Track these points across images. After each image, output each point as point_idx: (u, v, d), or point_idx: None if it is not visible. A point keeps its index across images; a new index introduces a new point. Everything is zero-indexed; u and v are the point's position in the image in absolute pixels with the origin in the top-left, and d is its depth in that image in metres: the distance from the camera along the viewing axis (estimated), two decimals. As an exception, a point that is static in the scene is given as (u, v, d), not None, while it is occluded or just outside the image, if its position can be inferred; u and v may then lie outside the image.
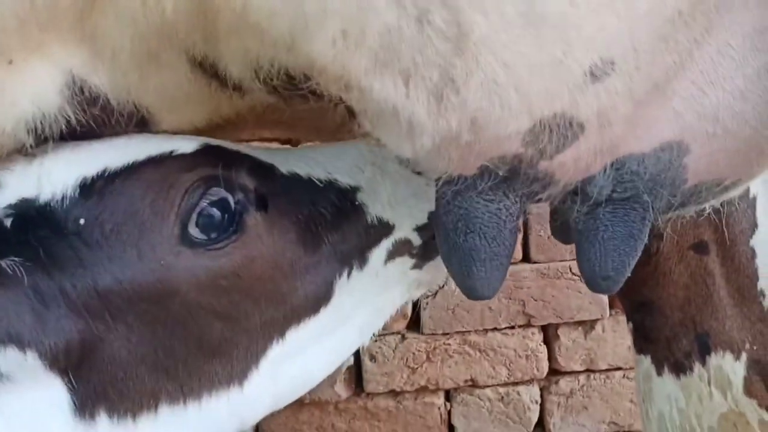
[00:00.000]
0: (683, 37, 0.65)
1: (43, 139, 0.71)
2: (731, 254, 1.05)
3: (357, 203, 0.83)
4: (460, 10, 0.60)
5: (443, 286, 2.18)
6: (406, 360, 2.13)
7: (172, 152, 0.75)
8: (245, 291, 0.74)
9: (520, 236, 2.03)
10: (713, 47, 0.66)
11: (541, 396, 2.19)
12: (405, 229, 0.85)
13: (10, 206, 0.69)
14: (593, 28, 0.62)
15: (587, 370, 2.16)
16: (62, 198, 0.69)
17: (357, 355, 2.11)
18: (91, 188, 0.70)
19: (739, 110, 0.68)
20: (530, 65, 0.62)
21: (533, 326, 2.13)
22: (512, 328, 2.12)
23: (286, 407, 0.84)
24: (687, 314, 1.08)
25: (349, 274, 0.81)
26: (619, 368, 2.16)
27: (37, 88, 0.69)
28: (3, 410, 0.65)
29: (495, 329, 2.12)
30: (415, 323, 2.13)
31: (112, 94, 0.72)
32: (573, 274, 2.09)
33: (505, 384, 2.15)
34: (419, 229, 0.86)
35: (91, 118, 0.73)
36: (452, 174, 0.70)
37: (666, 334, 1.10)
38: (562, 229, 0.80)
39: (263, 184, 0.78)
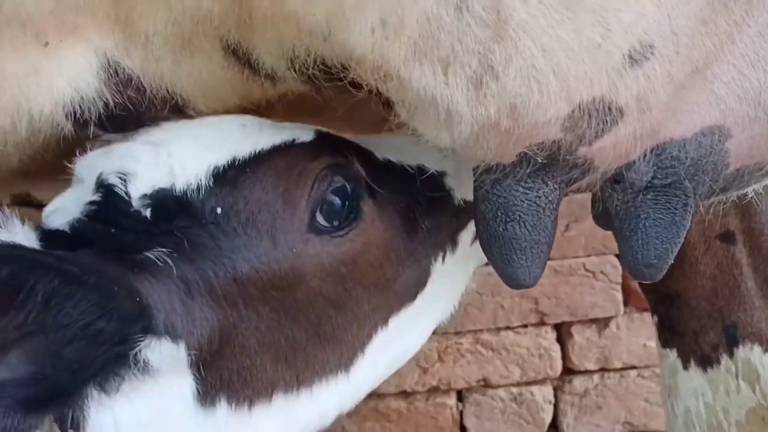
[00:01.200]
0: (723, 20, 0.64)
1: (83, 123, 0.71)
2: (759, 244, 1.04)
3: (446, 188, 0.85)
4: None
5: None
6: (418, 360, 2.12)
7: (294, 140, 0.76)
8: (359, 278, 0.76)
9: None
10: (753, 29, 0.66)
11: (555, 396, 2.16)
12: None
13: (146, 196, 0.69)
14: (632, 13, 0.62)
15: (601, 369, 2.14)
16: (197, 187, 0.70)
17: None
18: (223, 177, 0.71)
19: None
20: (569, 50, 0.62)
21: (546, 324, 2.11)
22: (525, 326, 2.10)
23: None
24: (714, 306, 1.06)
25: (443, 259, 0.83)
26: (633, 367, 2.14)
27: (75, 71, 0.69)
28: (136, 403, 0.64)
29: (507, 328, 2.09)
30: (427, 323, 2.12)
31: (144, 78, 0.72)
32: (587, 270, 2.07)
33: (518, 384, 2.13)
34: None
35: (127, 100, 0.73)
36: (490, 162, 0.70)
37: (692, 326, 1.08)
38: (603, 216, 0.80)
39: (370, 172, 0.80)
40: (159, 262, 0.66)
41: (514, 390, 2.14)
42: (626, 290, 2.07)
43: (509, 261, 0.74)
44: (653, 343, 2.10)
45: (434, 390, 2.12)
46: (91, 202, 0.71)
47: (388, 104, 0.70)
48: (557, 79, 0.63)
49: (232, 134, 0.75)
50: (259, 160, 0.73)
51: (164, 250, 0.67)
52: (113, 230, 0.69)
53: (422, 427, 2.14)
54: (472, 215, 0.84)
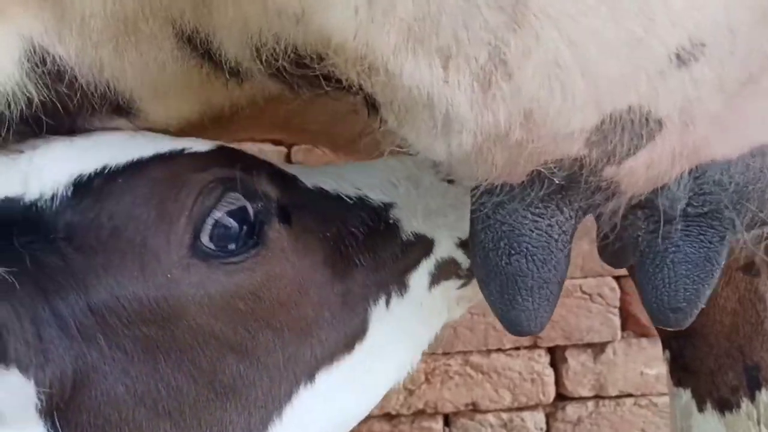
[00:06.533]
0: (787, 15, 0.54)
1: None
2: (785, 277, 0.99)
3: (391, 221, 0.75)
4: None
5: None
6: (403, 381, 2.05)
7: (183, 150, 0.67)
8: (265, 318, 0.65)
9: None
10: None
11: (547, 423, 2.13)
12: (446, 245, 0.76)
13: None
14: (683, 2, 0.52)
15: (596, 396, 2.11)
16: (52, 197, 0.62)
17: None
18: (87, 187, 0.62)
19: None
20: (602, 44, 0.52)
21: (540, 348, 2.08)
22: (517, 349, 2.06)
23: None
24: (734, 344, 1.00)
25: (387, 303, 0.72)
26: (630, 395, 2.11)
27: None
28: None
29: (499, 350, 2.06)
30: (413, 343, 2.05)
31: (80, 70, 0.62)
32: (583, 292, 2.05)
33: (509, 409, 2.10)
34: (464, 245, 0.76)
35: (56, 97, 0.63)
36: (495, 181, 0.60)
37: (710, 365, 1.02)
38: (616, 250, 0.69)
39: (285, 195, 0.70)
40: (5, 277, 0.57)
41: (504, 416, 2.11)
42: (624, 314, 2.05)
43: (512, 302, 0.64)
44: (651, 371, 2.11)
45: (420, 413, 2.08)
46: None
47: (374, 107, 0.60)
48: (586, 80, 0.53)
49: (114, 142, 0.66)
50: (135, 168, 0.64)
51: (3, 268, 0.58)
52: None
53: (406, 452, 2.11)
54: (425, 252, 0.75)
